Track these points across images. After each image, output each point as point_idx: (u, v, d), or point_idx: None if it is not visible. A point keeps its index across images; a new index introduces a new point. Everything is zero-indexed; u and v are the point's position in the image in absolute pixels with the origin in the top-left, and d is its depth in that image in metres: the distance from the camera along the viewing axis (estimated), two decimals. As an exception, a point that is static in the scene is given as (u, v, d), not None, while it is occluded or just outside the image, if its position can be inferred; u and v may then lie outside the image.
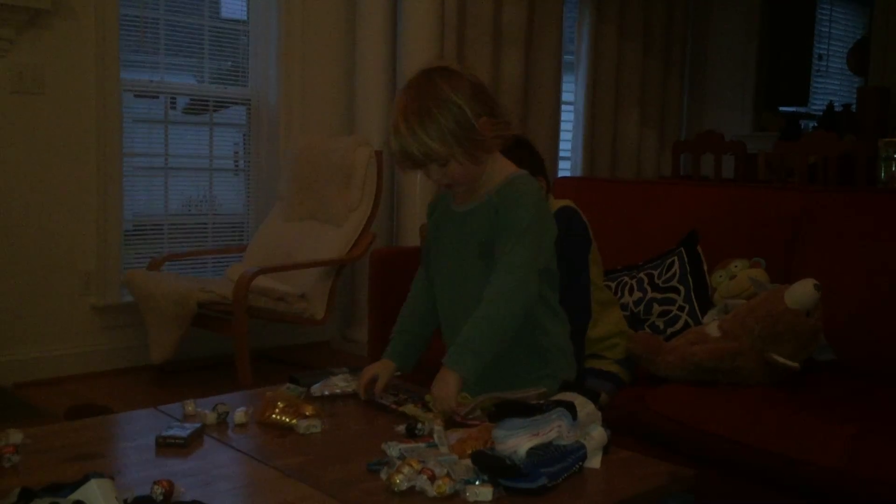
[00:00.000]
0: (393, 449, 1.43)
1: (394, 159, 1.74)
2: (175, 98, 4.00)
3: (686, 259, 2.49)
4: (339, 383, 1.84)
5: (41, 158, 3.46)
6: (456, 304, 1.80)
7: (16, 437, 1.47)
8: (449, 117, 1.62)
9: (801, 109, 6.69)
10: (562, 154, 5.23)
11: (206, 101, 4.05)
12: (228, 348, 3.39)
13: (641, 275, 2.56)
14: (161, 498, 1.23)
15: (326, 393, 1.81)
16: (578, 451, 1.41)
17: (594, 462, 1.43)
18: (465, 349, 1.63)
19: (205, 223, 4.11)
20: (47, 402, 3.21)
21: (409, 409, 1.70)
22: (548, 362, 1.77)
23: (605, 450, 1.47)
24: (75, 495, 1.09)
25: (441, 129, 1.62)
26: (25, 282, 3.46)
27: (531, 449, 1.36)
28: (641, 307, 2.48)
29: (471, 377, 1.62)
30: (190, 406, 1.68)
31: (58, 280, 3.55)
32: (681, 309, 2.41)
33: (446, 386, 1.61)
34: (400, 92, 1.72)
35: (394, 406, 1.72)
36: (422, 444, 1.46)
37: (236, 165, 4.28)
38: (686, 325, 2.35)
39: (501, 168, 1.75)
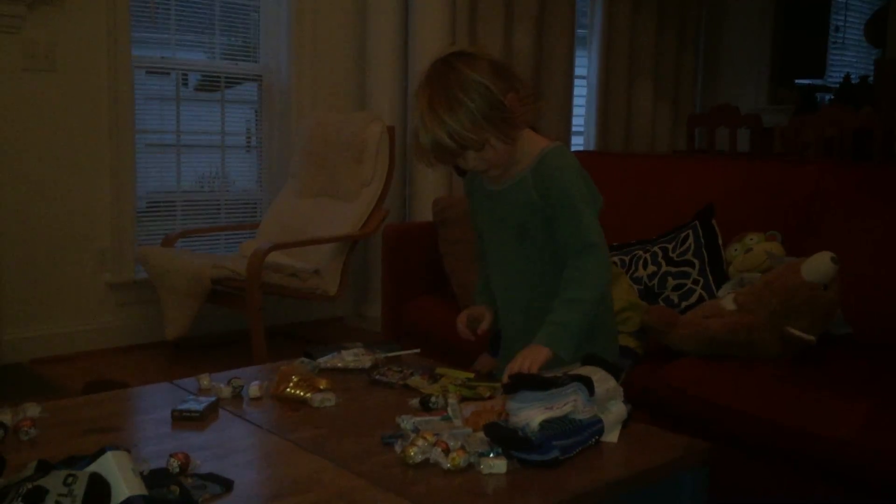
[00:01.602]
0: (407, 422, 1.44)
1: (426, 155, 1.65)
2: (187, 75, 3.99)
3: (701, 233, 2.48)
4: (349, 358, 1.84)
5: (54, 136, 3.47)
6: (500, 283, 1.81)
7: (33, 410, 1.49)
8: (478, 99, 1.57)
9: (818, 82, 6.62)
10: (575, 129, 5.20)
11: (218, 77, 4.04)
12: (243, 324, 3.40)
13: (656, 248, 2.54)
14: (177, 470, 1.24)
15: (339, 365, 1.82)
16: (595, 426, 1.41)
17: (612, 437, 1.43)
18: (564, 330, 1.59)
19: (217, 200, 4.11)
20: (64, 378, 3.23)
21: (415, 381, 1.71)
22: (606, 324, 1.81)
23: (625, 424, 1.47)
24: (92, 468, 1.10)
25: (472, 113, 1.56)
26: (41, 259, 3.48)
27: (544, 421, 1.36)
28: (656, 281, 2.47)
29: (568, 358, 1.58)
30: (205, 380, 1.70)
31: (73, 257, 3.57)
32: (695, 283, 2.40)
33: (537, 355, 1.55)
34: (420, 84, 1.64)
35: (399, 383, 1.72)
36: (436, 418, 1.47)
37: (248, 142, 4.27)
38: (701, 299, 2.34)
39: (532, 144, 1.71)
